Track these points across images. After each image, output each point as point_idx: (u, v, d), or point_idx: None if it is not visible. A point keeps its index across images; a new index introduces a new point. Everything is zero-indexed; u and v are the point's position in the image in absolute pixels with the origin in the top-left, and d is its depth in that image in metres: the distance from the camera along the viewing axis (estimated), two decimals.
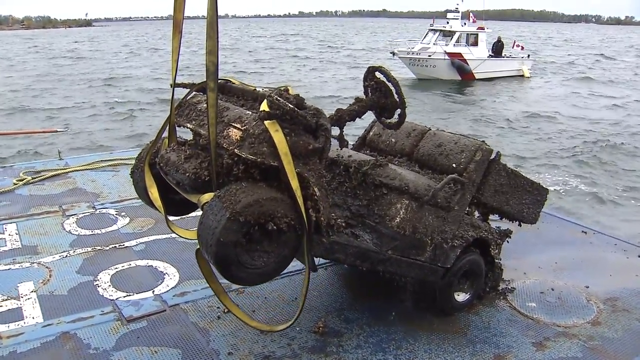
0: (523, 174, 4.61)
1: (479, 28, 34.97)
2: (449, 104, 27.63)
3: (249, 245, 3.10)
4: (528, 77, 36.38)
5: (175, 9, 3.26)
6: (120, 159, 8.44)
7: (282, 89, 3.26)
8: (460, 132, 4.76)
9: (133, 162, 4.04)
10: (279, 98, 2.99)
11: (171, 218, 3.73)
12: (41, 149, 16.54)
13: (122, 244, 5.52)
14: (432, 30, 35.59)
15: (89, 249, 5.43)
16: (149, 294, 4.55)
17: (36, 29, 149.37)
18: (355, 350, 3.94)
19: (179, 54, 3.40)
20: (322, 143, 3.15)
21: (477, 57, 33.96)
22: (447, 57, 33.07)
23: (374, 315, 4.33)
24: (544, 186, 4.76)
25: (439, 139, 4.43)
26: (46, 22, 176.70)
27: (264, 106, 3.03)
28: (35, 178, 7.51)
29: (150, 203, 3.83)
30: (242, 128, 3.07)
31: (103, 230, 5.87)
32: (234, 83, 3.81)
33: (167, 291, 4.60)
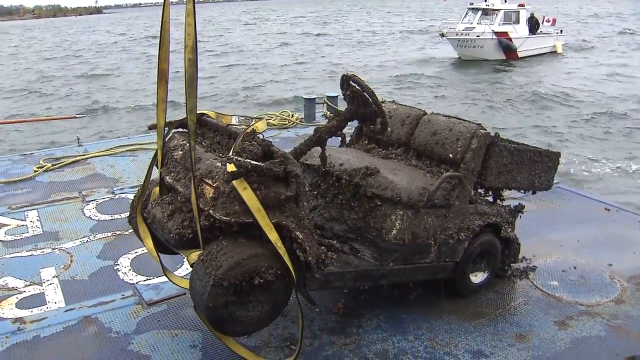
0: (528, 145, 4.49)
1: (519, 5, 33.97)
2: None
3: (241, 298, 3.13)
4: (561, 53, 35.70)
5: (160, 59, 3.19)
6: (139, 144, 8.45)
7: (249, 131, 3.19)
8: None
9: (151, 147, 4.02)
10: (239, 159, 2.92)
11: None
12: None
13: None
14: (471, 9, 34.27)
15: (109, 234, 5.49)
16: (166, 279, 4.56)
17: (47, 17, 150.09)
18: (375, 330, 3.94)
19: (166, 104, 3.37)
20: (294, 190, 3.10)
21: (521, 35, 33.02)
22: (494, 36, 31.99)
23: (393, 296, 4.30)
24: (555, 150, 4.62)
25: (434, 126, 4.31)
26: (57, 11, 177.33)
27: (230, 167, 2.96)
28: (55, 165, 7.60)
29: None
30: (214, 185, 3.04)
31: (122, 215, 5.85)
32: (209, 116, 3.78)
33: (187, 274, 4.61)
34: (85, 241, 5.35)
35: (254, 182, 2.99)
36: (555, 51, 35.50)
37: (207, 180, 3.10)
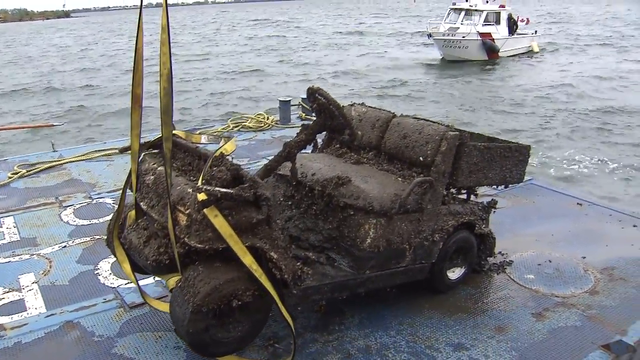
0: (498, 140, 4.57)
1: (500, 6, 34.34)
2: None
3: (221, 320, 3.21)
4: (537, 52, 36.37)
5: (134, 83, 3.22)
6: (114, 149, 8.38)
7: (217, 155, 3.23)
8: None
9: (126, 152, 3.99)
10: (208, 188, 2.96)
11: None
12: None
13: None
14: (454, 9, 34.51)
15: (88, 239, 5.45)
16: (150, 280, 4.54)
17: (13, 22, 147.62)
18: (357, 327, 3.99)
19: (140, 129, 3.41)
20: (265, 213, 3.17)
21: (502, 35, 33.53)
22: (479, 37, 32.30)
23: (374, 293, 4.35)
24: (524, 143, 4.66)
25: (403, 129, 4.34)
26: (23, 15, 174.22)
27: (200, 196, 2.99)
28: (30, 171, 7.51)
29: None
30: (186, 212, 3.09)
31: (101, 220, 5.86)
32: (179, 136, 3.81)
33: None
34: (64, 246, 5.30)
35: (225, 208, 3.04)
36: (532, 50, 36.23)
37: (179, 208, 3.15)
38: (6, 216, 6.07)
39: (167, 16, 2.82)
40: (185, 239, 3.07)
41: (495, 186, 4.69)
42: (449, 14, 34.78)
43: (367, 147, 4.59)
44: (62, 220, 5.94)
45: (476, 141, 4.68)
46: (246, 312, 3.29)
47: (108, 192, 6.67)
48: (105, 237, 4.06)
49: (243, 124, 9.97)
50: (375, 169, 4.34)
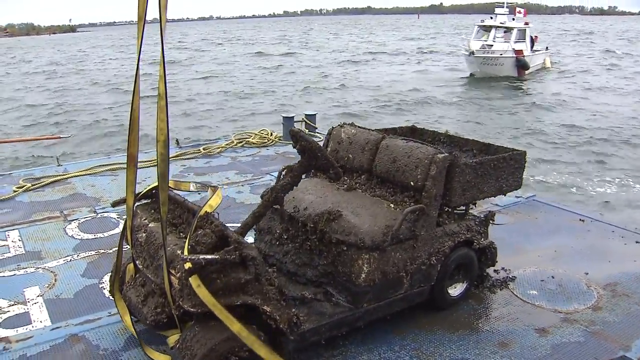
0: (493, 147, 4.56)
1: (525, 23, 34.74)
2: None
3: None
4: (548, 67, 37.10)
5: (129, 144, 3.27)
6: (119, 163, 8.46)
7: (202, 214, 3.26)
8: None
9: (119, 205, 3.99)
10: (192, 257, 2.96)
11: None
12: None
13: (125, 247, 5.53)
14: (482, 27, 34.62)
15: (93, 253, 5.48)
16: None
17: (20, 36, 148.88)
18: (361, 342, 4.00)
19: (135, 186, 3.48)
20: (252, 273, 3.18)
21: (529, 52, 33.98)
22: (514, 54, 32.57)
23: None
24: (519, 150, 4.59)
25: (393, 153, 4.29)
26: (30, 29, 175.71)
27: (187, 264, 3.01)
28: (34, 185, 7.55)
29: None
30: (177, 276, 3.13)
31: (105, 234, 5.92)
32: (169, 187, 3.81)
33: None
34: (68, 260, 5.33)
35: (212, 272, 3.05)
36: (544, 66, 37.08)
37: (171, 270, 3.19)
38: (11, 229, 6.10)
39: (165, 83, 2.86)
40: (180, 303, 3.11)
41: (492, 197, 4.61)
42: (477, 31, 34.80)
43: (359, 170, 4.55)
44: (67, 234, 5.98)
45: (471, 148, 4.69)
46: None
47: (112, 207, 6.68)
48: (108, 289, 4.12)
49: (247, 139, 10.04)
50: (367, 195, 4.29)
